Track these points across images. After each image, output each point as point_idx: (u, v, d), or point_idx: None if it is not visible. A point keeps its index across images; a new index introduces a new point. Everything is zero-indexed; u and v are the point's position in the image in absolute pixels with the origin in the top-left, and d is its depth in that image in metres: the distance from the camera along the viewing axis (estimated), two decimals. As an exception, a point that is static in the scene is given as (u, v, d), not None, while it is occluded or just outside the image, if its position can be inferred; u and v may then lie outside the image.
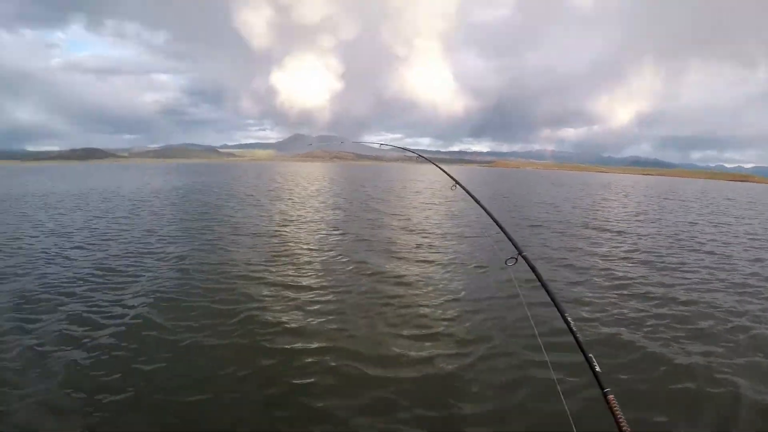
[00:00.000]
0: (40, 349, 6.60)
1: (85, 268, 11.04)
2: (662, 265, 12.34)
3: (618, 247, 14.85)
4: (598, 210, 27.05)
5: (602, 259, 12.87)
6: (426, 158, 7.31)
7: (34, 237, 15.10)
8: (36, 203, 26.62)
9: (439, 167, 6.61)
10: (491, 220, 4.21)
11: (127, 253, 12.60)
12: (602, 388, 2.38)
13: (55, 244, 13.82)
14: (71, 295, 8.96)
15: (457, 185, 5.26)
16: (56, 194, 33.31)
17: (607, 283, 10.44)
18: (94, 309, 8.19)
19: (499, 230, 4.01)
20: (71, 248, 13.28)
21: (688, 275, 11.40)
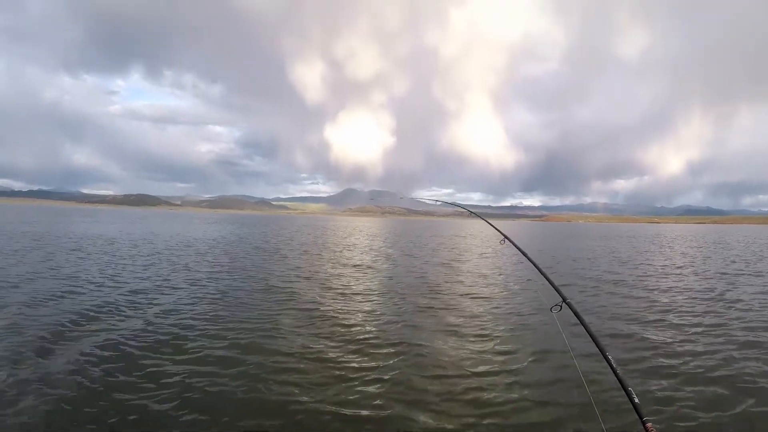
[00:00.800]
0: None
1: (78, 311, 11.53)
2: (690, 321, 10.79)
3: (652, 304, 13.18)
4: (636, 263, 25.29)
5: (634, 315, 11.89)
6: (477, 214, 7.82)
7: (43, 278, 15.82)
8: (68, 245, 28.12)
9: (490, 224, 7.04)
10: (537, 271, 4.64)
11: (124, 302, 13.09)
12: (641, 417, 2.73)
13: (59, 287, 14.28)
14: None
15: (506, 239, 5.80)
16: (92, 237, 35.19)
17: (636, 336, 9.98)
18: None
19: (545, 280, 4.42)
20: (68, 292, 13.83)
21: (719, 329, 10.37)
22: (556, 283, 4.24)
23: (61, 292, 13.46)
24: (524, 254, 5.15)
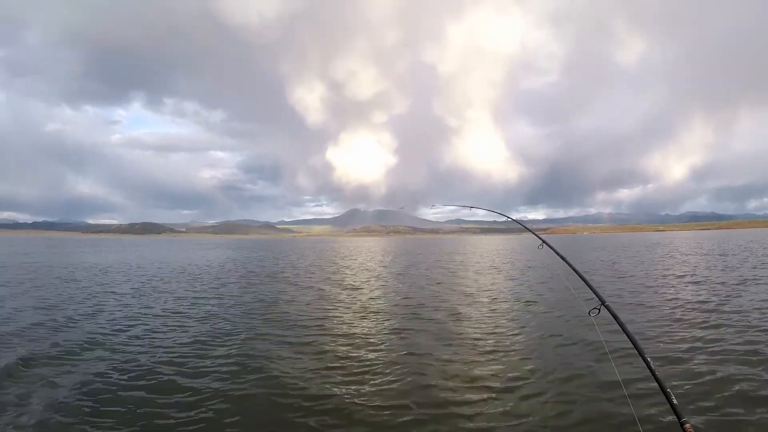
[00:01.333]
0: None
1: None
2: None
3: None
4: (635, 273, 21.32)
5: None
6: (518, 222, 7.90)
7: (25, 307, 15.72)
8: (60, 274, 28.32)
9: (530, 230, 7.11)
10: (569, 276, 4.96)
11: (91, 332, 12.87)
12: (679, 418, 2.78)
13: (37, 316, 14.25)
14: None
15: (544, 244, 6.00)
16: (87, 266, 35.25)
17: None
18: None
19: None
20: (45, 319, 13.61)
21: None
22: (593, 287, 4.30)
23: (38, 319, 13.48)
24: (563, 258, 5.30)
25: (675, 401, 2.88)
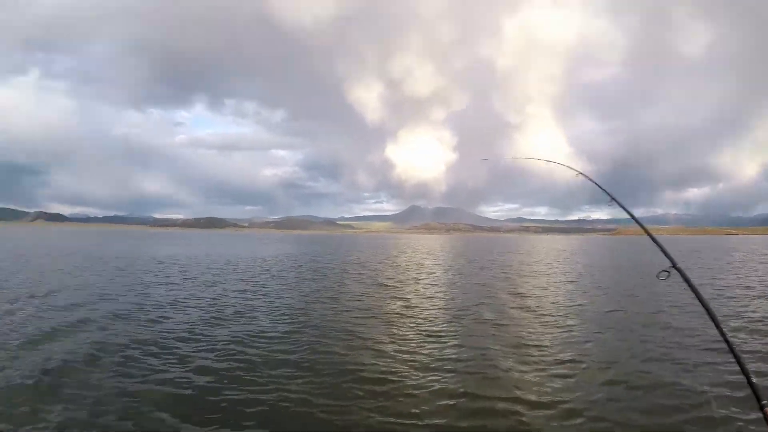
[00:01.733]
0: None
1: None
2: None
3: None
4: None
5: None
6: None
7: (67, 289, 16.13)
8: (115, 264, 29.09)
9: (591, 177, 6.26)
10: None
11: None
12: (759, 400, 2.40)
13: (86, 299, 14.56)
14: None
15: (613, 200, 5.21)
16: (143, 258, 36.32)
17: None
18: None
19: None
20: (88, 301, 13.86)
21: None
22: (664, 248, 3.81)
23: (89, 302, 14.21)
24: (631, 215, 4.84)
25: (754, 380, 2.47)
